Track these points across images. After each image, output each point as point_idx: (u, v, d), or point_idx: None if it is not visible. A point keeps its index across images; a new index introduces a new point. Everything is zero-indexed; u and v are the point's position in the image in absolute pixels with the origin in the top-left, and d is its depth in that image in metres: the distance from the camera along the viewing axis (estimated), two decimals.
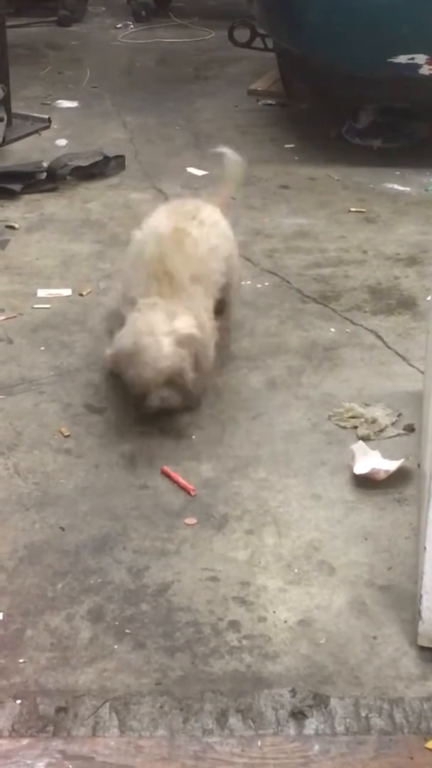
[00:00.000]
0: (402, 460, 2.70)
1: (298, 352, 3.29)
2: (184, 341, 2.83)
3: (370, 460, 2.69)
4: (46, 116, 5.31)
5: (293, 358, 3.25)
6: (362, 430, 2.88)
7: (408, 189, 4.62)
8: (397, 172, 4.78)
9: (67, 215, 4.29)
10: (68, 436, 2.85)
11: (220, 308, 3.14)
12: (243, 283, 3.71)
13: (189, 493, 2.63)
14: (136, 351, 2.81)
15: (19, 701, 2.04)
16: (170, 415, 2.91)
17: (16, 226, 4.16)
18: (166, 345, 2.80)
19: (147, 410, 2.86)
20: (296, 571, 2.39)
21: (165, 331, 2.82)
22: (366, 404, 3.00)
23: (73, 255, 3.92)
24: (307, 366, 3.21)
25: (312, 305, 3.59)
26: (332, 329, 3.43)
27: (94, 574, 2.36)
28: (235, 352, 3.27)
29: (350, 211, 4.39)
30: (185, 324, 2.86)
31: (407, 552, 2.44)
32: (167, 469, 2.72)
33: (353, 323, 3.46)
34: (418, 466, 2.69)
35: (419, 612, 2.15)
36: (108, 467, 2.74)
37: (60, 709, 2.03)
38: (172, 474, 2.70)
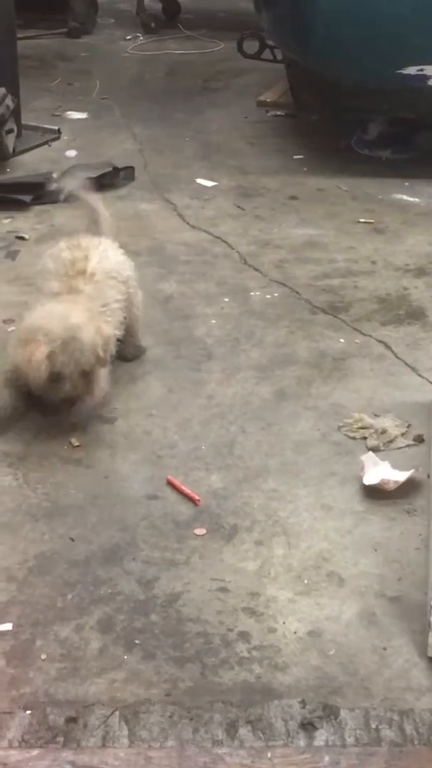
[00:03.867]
0: (411, 470, 2.70)
1: (307, 363, 3.29)
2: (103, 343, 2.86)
3: (379, 471, 2.69)
4: (56, 127, 5.34)
5: (302, 368, 3.26)
6: (372, 441, 2.88)
7: (417, 200, 4.63)
8: (406, 183, 4.78)
9: (76, 226, 4.28)
10: (78, 446, 2.86)
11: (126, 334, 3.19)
12: (252, 293, 3.73)
13: (195, 502, 2.63)
14: (71, 336, 2.77)
15: (29, 712, 2.04)
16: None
17: (26, 236, 4.18)
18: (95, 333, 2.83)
19: (54, 396, 2.84)
20: (306, 581, 2.38)
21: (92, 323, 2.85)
22: (375, 415, 3.00)
23: None
24: (317, 376, 3.21)
25: (321, 316, 3.60)
26: (341, 340, 3.43)
27: (103, 585, 2.36)
28: (245, 362, 3.28)
29: (359, 221, 4.39)
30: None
31: (417, 563, 2.43)
32: (172, 479, 2.72)
33: (362, 334, 3.47)
34: (428, 476, 2.68)
35: (429, 623, 2.15)
36: (117, 477, 2.74)
37: (70, 720, 2.03)
38: (177, 484, 2.70)
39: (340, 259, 4.04)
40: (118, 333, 3.08)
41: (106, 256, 3.12)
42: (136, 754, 1.96)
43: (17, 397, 2.93)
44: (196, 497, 2.65)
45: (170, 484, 2.71)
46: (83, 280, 2.99)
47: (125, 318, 3.13)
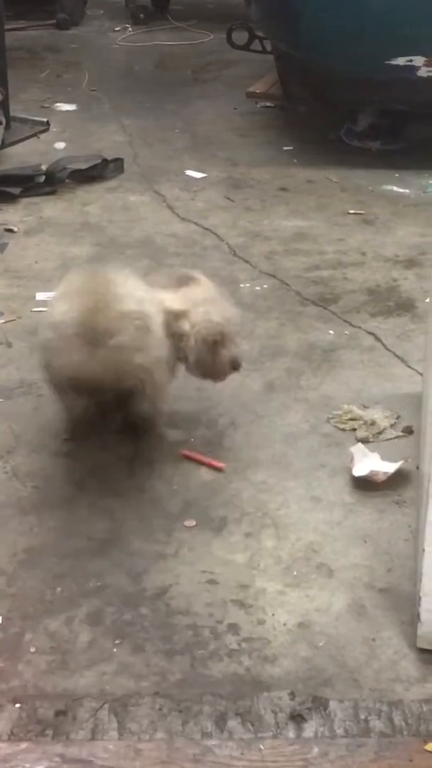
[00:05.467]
0: (401, 462, 2.70)
1: (296, 355, 3.29)
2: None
3: (369, 462, 2.69)
4: (45, 119, 5.32)
5: (292, 360, 3.26)
6: (361, 432, 2.88)
7: (407, 191, 4.63)
8: (396, 174, 4.78)
9: (65, 218, 4.29)
10: (67, 439, 2.85)
11: None
12: (242, 285, 3.73)
13: (220, 469, 2.70)
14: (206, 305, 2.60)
15: (18, 705, 2.04)
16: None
17: (15, 229, 4.16)
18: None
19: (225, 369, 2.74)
20: (295, 573, 2.39)
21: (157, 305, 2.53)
22: (365, 406, 3.00)
23: (72, 258, 3.92)
24: (306, 368, 3.21)
25: (311, 307, 3.59)
26: (331, 331, 3.43)
27: (93, 578, 2.36)
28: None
29: (349, 213, 4.39)
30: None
31: (406, 554, 2.44)
32: (188, 452, 2.75)
33: (352, 325, 3.47)
34: (417, 468, 2.69)
35: (418, 614, 2.15)
36: (106, 470, 2.74)
37: (59, 713, 2.02)
38: (196, 455, 2.73)
39: (330, 250, 4.03)
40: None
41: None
42: (126, 746, 1.96)
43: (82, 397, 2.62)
44: (221, 465, 2.71)
45: (187, 457, 2.74)
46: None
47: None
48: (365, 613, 2.27)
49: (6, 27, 5.23)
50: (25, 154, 4.93)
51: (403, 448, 2.81)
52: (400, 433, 2.88)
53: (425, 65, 4.60)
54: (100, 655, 2.16)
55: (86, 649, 2.17)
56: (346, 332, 3.43)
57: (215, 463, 2.72)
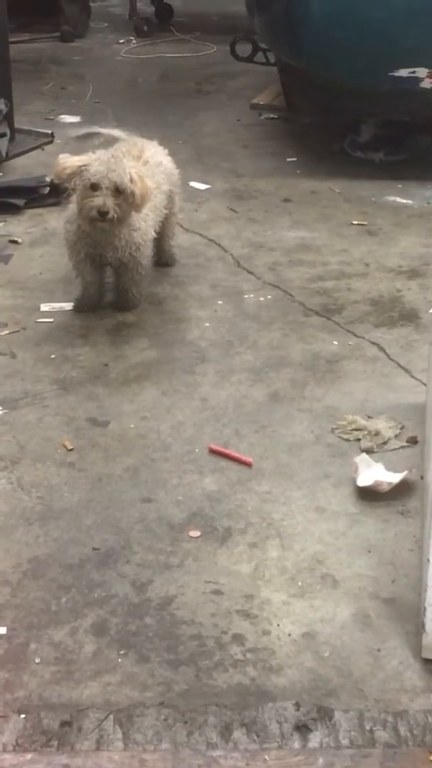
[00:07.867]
0: (405, 472, 2.70)
1: (300, 365, 3.29)
2: (139, 178, 3.31)
3: (373, 473, 2.69)
4: (49, 131, 5.34)
5: (296, 370, 3.26)
6: (365, 443, 2.88)
7: (410, 202, 4.64)
8: (399, 185, 4.79)
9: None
10: (72, 449, 2.86)
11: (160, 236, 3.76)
12: (246, 296, 3.74)
13: (248, 464, 2.75)
14: (110, 155, 3.33)
15: (23, 716, 2.04)
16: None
17: (20, 240, 4.18)
18: (129, 164, 3.33)
19: (90, 212, 3.30)
20: (300, 584, 2.39)
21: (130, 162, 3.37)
22: (369, 416, 3.00)
23: None
24: (310, 379, 3.22)
25: (315, 318, 3.60)
26: (335, 342, 3.44)
27: (97, 588, 2.36)
28: (238, 365, 3.28)
29: (352, 224, 4.40)
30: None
31: (411, 564, 2.44)
32: (215, 446, 2.78)
33: (356, 336, 3.47)
34: (422, 478, 2.69)
35: (423, 624, 2.15)
36: (111, 480, 2.74)
37: (64, 723, 2.03)
38: (224, 450, 2.75)
39: (333, 261, 4.04)
40: (158, 218, 3.63)
41: (157, 151, 3.74)
42: (131, 757, 1.96)
43: (98, 272, 3.56)
44: (249, 460, 2.76)
45: (214, 452, 2.76)
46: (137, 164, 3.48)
47: (166, 212, 3.70)
48: (370, 624, 2.27)
49: (10, 39, 5.25)
50: (29, 166, 4.94)
51: (408, 458, 2.81)
52: (405, 443, 2.89)
53: (428, 77, 4.61)
54: (105, 666, 2.16)
55: (91, 660, 2.17)
56: (350, 343, 3.43)
57: (243, 458, 2.75)
